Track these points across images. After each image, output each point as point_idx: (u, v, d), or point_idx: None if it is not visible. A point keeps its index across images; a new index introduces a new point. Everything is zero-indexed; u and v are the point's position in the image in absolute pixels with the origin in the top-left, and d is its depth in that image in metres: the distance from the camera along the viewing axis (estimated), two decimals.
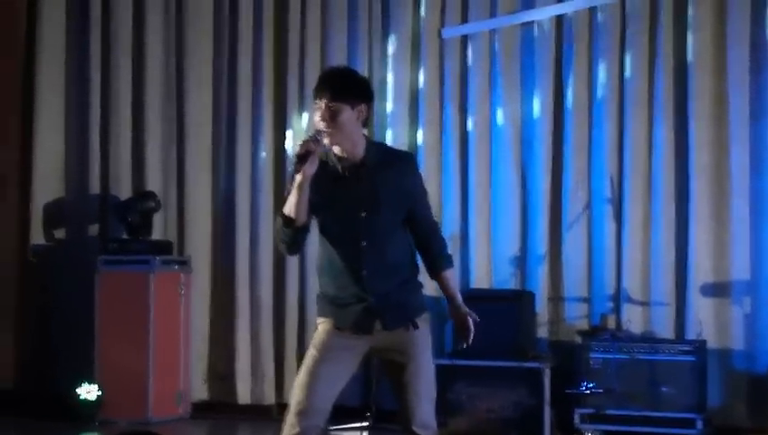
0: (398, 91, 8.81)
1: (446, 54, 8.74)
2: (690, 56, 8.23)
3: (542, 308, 8.40)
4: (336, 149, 4.73)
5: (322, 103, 4.67)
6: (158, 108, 9.31)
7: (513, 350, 7.94)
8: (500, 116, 8.65)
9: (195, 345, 9.02)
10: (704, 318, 8.05)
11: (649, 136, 8.33)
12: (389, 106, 8.86)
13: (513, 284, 8.51)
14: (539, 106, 8.55)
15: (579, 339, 8.19)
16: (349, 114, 4.67)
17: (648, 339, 8.03)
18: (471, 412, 7.82)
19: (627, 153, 8.36)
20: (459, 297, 4.96)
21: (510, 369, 7.88)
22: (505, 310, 7.97)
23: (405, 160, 4.91)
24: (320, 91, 4.71)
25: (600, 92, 8.43)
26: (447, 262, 4.94)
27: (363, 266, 4.71)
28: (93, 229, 9.35)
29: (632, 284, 8.28)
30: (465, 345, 4.93)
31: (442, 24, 8.79)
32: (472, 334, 4.90)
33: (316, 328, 4.86)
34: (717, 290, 8.11)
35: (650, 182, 8.31)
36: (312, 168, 4.59)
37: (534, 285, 8.45)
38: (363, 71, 8.94)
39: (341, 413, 8.29)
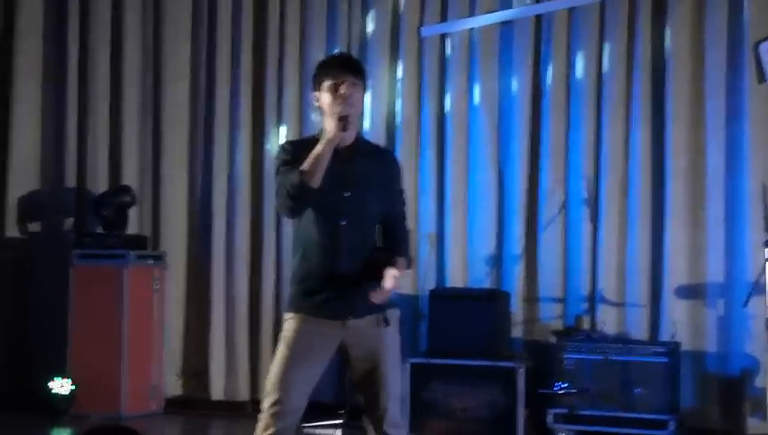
0: (375, 88, 8.80)
1: (425, 52, 8.75)
2: (668, 58, 8.25)
3: (517, 308, 8.41)
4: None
5: (347, 80, 4.75)
6: (135, 102, 9.29)
7: (488, 349, 7.95)
8: (477, 115, 8.65)
9: (169, 341, 9.00)
10: (678, 320, 8.08)
11: (626, 138, 8.35)
12: (367, 101, 8.86)
13: (488, 283, 8.52)
14: (517, 105, 8.56)
15: (553, 339, 8.20)
16: (361, 96, 4.84)
17: (622, 340, 8.05)
18: (444, 417, 7.82)
19: (603, 155, 8.38)
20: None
21: (484, 368, 7.88)
22: (480, 309, 7.98)
23: (391, 157, 5.09)
24: (343, 70, 4.80)
25: (577, 93, 8.45)
26: (405, 255, 4.89)
27: (339, 246, 4.71)
28: (68, 223, 9.31)
29: (607, 285, 8.30)
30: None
31: (421, 22, 8.79)
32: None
33: (284, 323, 4.84)
34: (692, 292, 8.13)
35: (627, 184, 8.33)
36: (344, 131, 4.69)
37: (510, 285, 8.46)
38: None
39: (315, 410, 8.29)
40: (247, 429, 8.69)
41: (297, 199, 4.66)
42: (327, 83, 4.78)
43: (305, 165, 4.64)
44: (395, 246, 4.88)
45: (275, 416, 4.68)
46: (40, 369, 8.75)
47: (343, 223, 4.72)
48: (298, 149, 4.78)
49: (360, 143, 4.88)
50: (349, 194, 4.74)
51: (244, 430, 8.67)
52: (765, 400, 7.34)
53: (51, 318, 8.90)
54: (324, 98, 4.78)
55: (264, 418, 4.72)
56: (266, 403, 4.73)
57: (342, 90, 4.74)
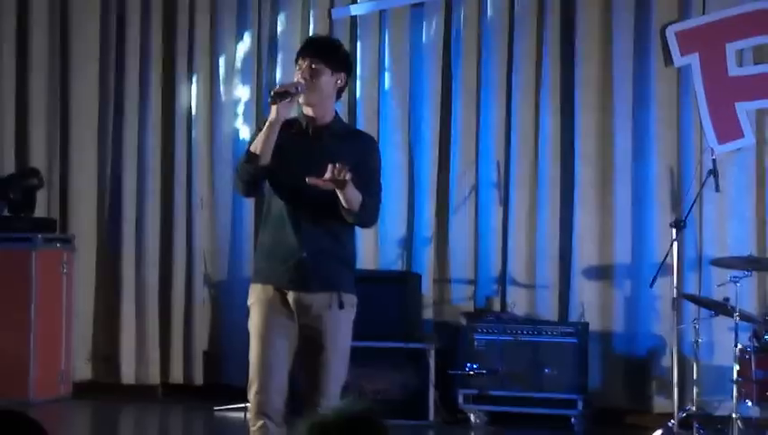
0: (286, 71, 8.78)
1: (336, 34, 8.71)
2: (577, 43, 8.33)
3: (427, 290, 8.45)
4: (307, 111, 4.89)
5: (306, 62, 4.83)
6: (43, 83, 9.15)
7: (399, 331, 7.98)
8: (388, 98, 8.67)
9: (78, 325, 8.91)
10: (586, 301, 8.18)
11: (536, 122, 8.42)
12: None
13: (399, 265, 8.55)
14: (427, 89, 8.59)
15: (464, 320, 8.26)
16: (328, 78, 4.85)
17: (532, 321, 8.13)
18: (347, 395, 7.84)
19: (514, 138, 8.44)
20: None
21: (395, 350, 7.92)
22: (391, 291, 8.01)
23: (367, 139, 5.14)
24: (305, 51, 4.90)
25: (488, 76, 8.50)
26: (358, 210, 4.77)
27: (306, 219, 4.80)
28: None
29: (517, 267, 8.37)
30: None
31: (332, 4, 8.78)
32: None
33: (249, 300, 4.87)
34: (600, 274, 8.24)
35: (536, 168, 8.41)
36: (285, 110, 4.75)
37: (421, 267, 8.50)
38: (252, 50, 8.91)
39: (227, 393, 8.29)
40: (158, 412, 8.69)
41: (246, 181, 4.82)
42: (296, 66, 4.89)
43: (252, 145, 4.78)
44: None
45: (261, 404, 4.75)
46: None
47: (309, 199, 4.78)
48: None
49: (334, 124, 4.93)
50: (315, 170, 4.75)
51: (154, 413, 8.67)
52: (671, 379, 7.45)
53: None
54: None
55: (251, 408, 4.79)
56: (251, 393, 4.79)
57: (297, 75, 4.84)
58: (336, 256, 4.85)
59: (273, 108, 4.73)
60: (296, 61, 4.91)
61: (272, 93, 4.76)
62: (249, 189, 4.91)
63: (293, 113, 4.95)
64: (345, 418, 2.53)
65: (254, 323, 4.83)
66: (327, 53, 4.89)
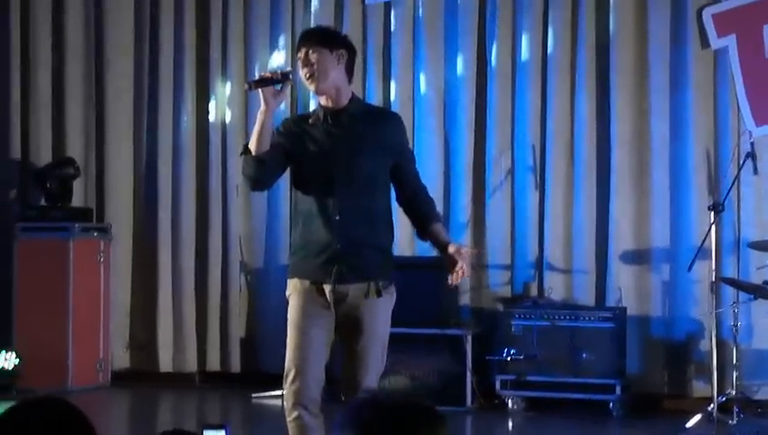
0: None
1: (369, 20, 8.71)
2: (612, 26, 8.27)
3: None
4: (322, 99, 4.85)
5: (302, 52, 4.80)
6: (78, 73, 9.18)
7: (436, 317, 7.97)
8: (423, 83, 8.64)
9: (116, 313, 8.95)
10: (624, 285, 8.14)
11: (572, 105, 8.38)
12: None
13: (435, 251, 8.50)
14: (462, 74, 8.56)
15: (501, 306, 8.24)
16: (328, 57, 4.79)
17: (569, 306, 8.10)
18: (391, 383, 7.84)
19: (549, 122, 8.40)
20: (450, 239, 5.06)
21: (432, 336, 7.91)
22: (428, 278, 7.99)
23: (390, 117, 5.09)
24: (300, 42, 4.88)
25: (523, 61, 8.46)
26: (437, 217, 5.07)
27: (336, 210, 4.75)
28: (12, 196, 9.21)
29: (554, 251, 8.34)
30: (453, 281, 5.02)
31: None
32: (464, 267, 4.93)
33: (287, 300, 4.87)
34: (637, 258, 8.20)
35: (572, 151, 8.37)
36: (275, 101, 4.72)
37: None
38: (286, 37, 8.90)
39: (264, 381, 8.30)
40: (195, 399, 8.72)
41: (248, 175, 4.77)
42: None
43: (249, 140, 4.75)
44: (421, 215, 4.99)
45: (297, 393, 4.72)
46: None
47: (339, 186, 4.75)
48: (290, 126, 4.89)
49: (352, 106, 4.87)
50: (342, 156, 4.76)
51: (192, 401, 8.70)
52: (710, 363, 7.41)
53: None
54: None
55: (287, 398, 4.75)
56: (287, 383, 4.75)
57: (299, 64, 4.83)
58: (371, 244, 4.81)
59: (262, 100, 4.68)
60: (296, 53, 4.91)
61: (248, 82, 4.80)
62: (254, 184, 4.86)
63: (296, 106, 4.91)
64: (404, 403, 2.43)
65: (291, 314, 4.81)
66: (319, 35, 4.89)
